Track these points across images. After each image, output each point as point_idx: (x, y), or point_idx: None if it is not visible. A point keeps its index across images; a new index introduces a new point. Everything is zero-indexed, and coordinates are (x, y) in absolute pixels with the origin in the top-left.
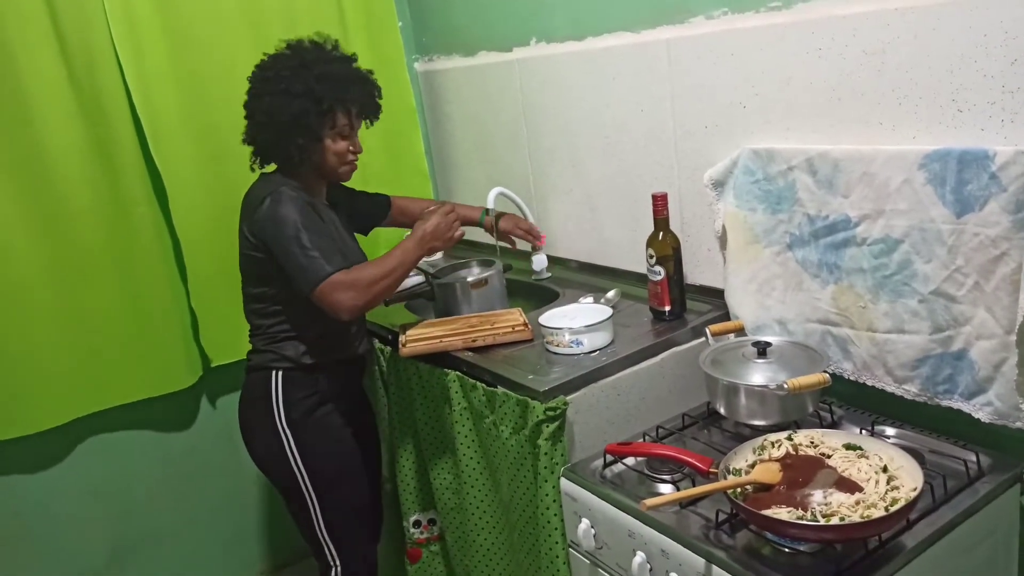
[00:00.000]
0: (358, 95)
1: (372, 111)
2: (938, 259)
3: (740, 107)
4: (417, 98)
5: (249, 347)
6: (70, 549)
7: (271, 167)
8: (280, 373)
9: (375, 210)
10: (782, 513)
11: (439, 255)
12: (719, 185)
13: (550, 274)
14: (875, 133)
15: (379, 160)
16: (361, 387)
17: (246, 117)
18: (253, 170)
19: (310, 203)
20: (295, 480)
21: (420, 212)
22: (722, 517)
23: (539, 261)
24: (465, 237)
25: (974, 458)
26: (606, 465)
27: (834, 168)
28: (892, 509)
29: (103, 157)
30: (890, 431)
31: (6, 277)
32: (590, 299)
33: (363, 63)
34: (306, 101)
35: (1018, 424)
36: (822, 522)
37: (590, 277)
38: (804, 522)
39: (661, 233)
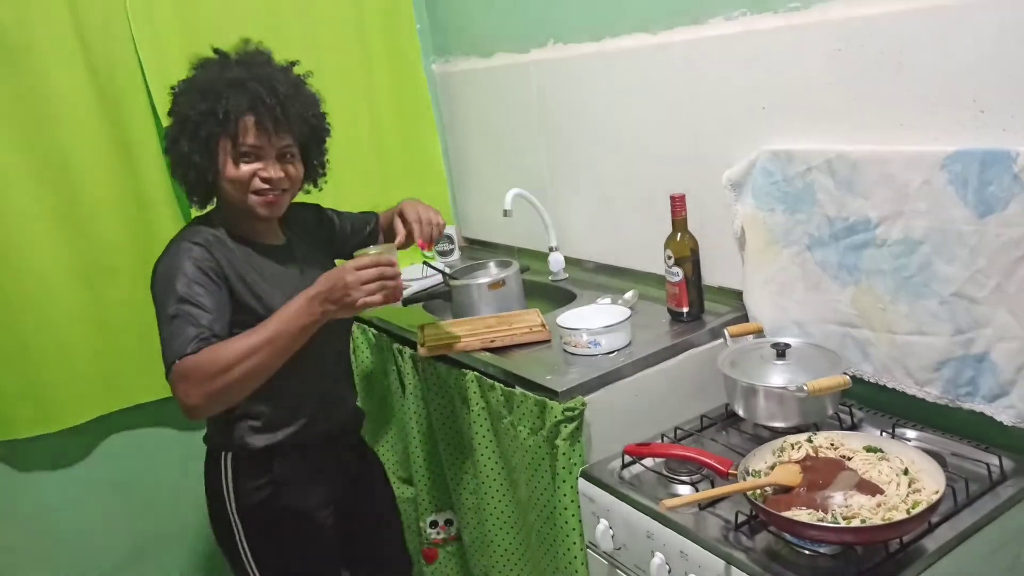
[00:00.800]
0: (235, 101)
1: (268, 118)
2: (959, 260)
3: (759, 108)
4: (434, 99)
5: None
6: (93, 544)
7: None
8: (229, 459)
9: (361, 229)
10: (802, 515)
11: (455, 255)
12: (737, 186)
13: (567, 275)
14: (895, 134)
15: (396, 161)
16: (347, 457)
17: None
18: (193, 214)
19: (221, 258)
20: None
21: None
22: (741, 519)
23: (556, 262)
24: (481, 238)
25: (997, 462)
26: (624, 466)
27: (853, 169)
28: (913, 512)
29: (125, 158)
30: (911, 434)
31: (31, 277)
32: (607, 300)
33: (380, 64)
34: (176, 123)
35: None
36: (843, 524)
37: (607, 278)
38: (824, 524)
39: (679, 234)
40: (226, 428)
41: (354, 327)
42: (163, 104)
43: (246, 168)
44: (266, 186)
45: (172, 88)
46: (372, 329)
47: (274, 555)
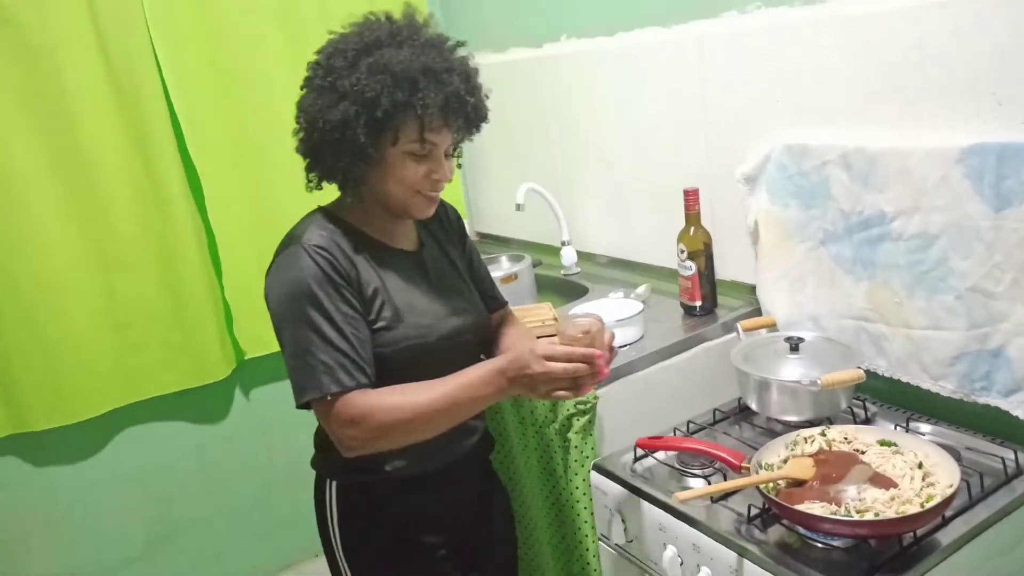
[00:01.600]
0: (434, 95)
1: (460, 115)
2: (976, 255)
3: (773, 102)
4: None
5: None
6: (108, 536)
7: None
8: (334, 487)
9: (482, 293)
10: (815, 508)
11: None
12: (751, 180)
13: (580, 269)
14: (912, 128)
15: None
16: (469, 487)
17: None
18: (310, 191)
19: (339, 263)
20: None
21: (515, 340)
22: (754, 512)
23: (568, 256)
24: (494, 232)
25: (1012, 456)
26: (636, 459)
27: (870, 163)
28: (927, 506)
29: (141, 155)
30: (925, 428)
31: (48, 271)
32: (620, 294)
33: None
34: (353, 103)
35: None
36: (856, 517)
37: (620, 272)
38: (838, 517)
39: (692, 228)
40: (331, 455)
41: None
42: (180, 101)
43: (421, 168)
44: (436, 190)
45: (331, 54)
46: None
47: None
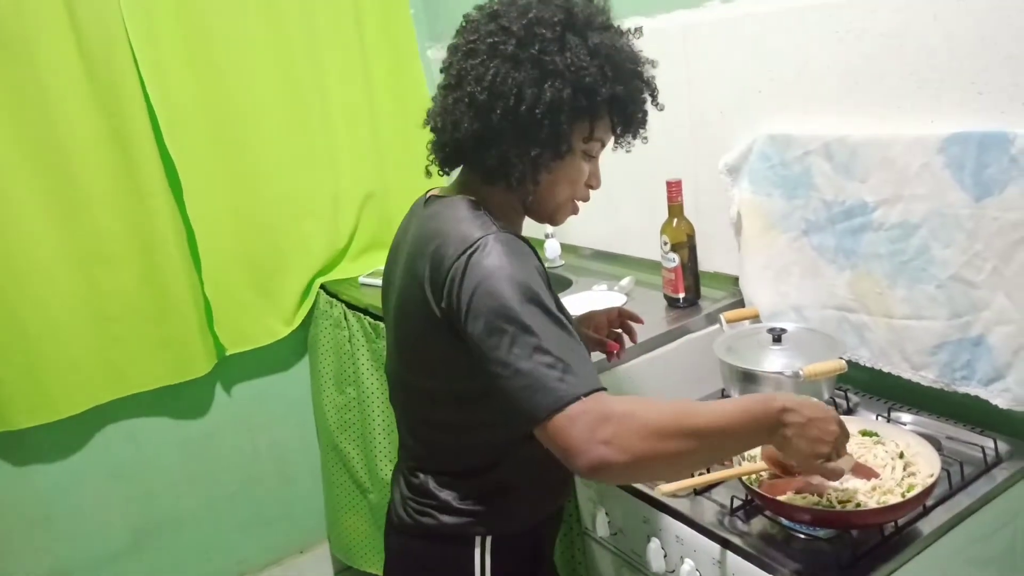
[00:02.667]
0: (639, 91)
1: (640, 127)
2: (956, 244)
3: (756, 92)
4: (430, 86)
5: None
6: (92, 533)
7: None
8: (488, 543)
9: None
10: (797, 499)
11: None
12: (734, 171)
13: (564, 262)
14: (894, 117)
15: (393, 151)
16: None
17: (445, 85)
18: (428, 175)
19: (539, 262)
20: None
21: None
22: (737, 503)
23: (552, 248)
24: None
25: (992, 444)
26: None
27: (852, 153)
28: (908, 495)
29: (119, 148)
30: (907, 417)
31: (28, 266)
32: (604, 287)
33: (376, 51)
34: (567, 85)
35: None
36: (838, 508)
37: (604, 265)
38: (820, 508)
39: (675, 220)
40: (489, 504)
41: (351, 316)
42: (157, 94)
43: (586, 170)
44: (587, 199)
45: (532, 22)
46: (367, 317)
47: None
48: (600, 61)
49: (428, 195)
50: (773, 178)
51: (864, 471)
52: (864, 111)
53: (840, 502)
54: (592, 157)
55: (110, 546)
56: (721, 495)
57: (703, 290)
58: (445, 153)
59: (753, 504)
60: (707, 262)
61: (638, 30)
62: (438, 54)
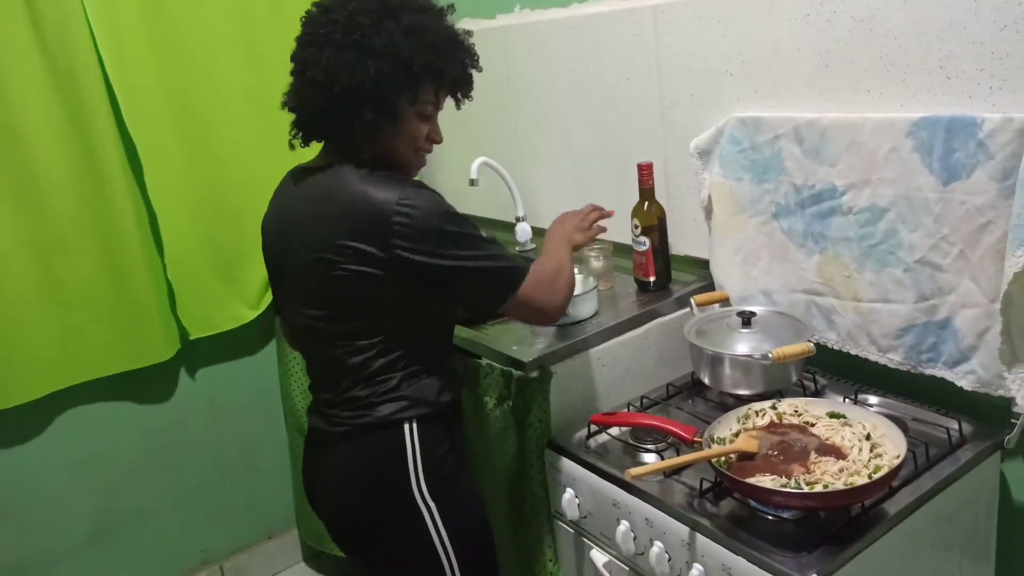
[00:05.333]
0: (454, 63)
1: (465, 87)
2: (924, 228)
3: (727, 75)
4: None
5: (335, 398)
6: (52, 523)
7: (314, 147)
8: (415, 425)
9: None
10: (766, 481)
11: None
12: (705, 154)
13: (534, 245)
14: (863, 101)
15: None
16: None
17: (293, 72)
18: (292, 147)
19: None
20: (439, 567)
21: None
22: (706, 486)
23: (523, 232)
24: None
25: (956, 426)
26: (590, 435)
27: (821, 137)
28: (875, 477)
29: (77, 130)
30: (873, 399)
31: None
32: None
33: None
34: (387, 62)
35: (1000, 392)
36: (805, 490)
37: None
38: (788, 490)
39: (646, 203)
40: (409, 392)
41: None
42: (117, 75)
43: (424, 128)
44: (429, 148)
45: (353, 13)
46: None
47: (467, 534)
48: (412, 39)
49: (294, 171)
50: (743, 162)
51: (832, 451)
52: (834, 95)
53: (808, 484)
54: (427, 116)
55: (70, 538)
56: (690, 478)
57: (673, 274)
58: (301, 129)
59: (722, 486)
60: (677, 245)
61: (451, 7)
62: None
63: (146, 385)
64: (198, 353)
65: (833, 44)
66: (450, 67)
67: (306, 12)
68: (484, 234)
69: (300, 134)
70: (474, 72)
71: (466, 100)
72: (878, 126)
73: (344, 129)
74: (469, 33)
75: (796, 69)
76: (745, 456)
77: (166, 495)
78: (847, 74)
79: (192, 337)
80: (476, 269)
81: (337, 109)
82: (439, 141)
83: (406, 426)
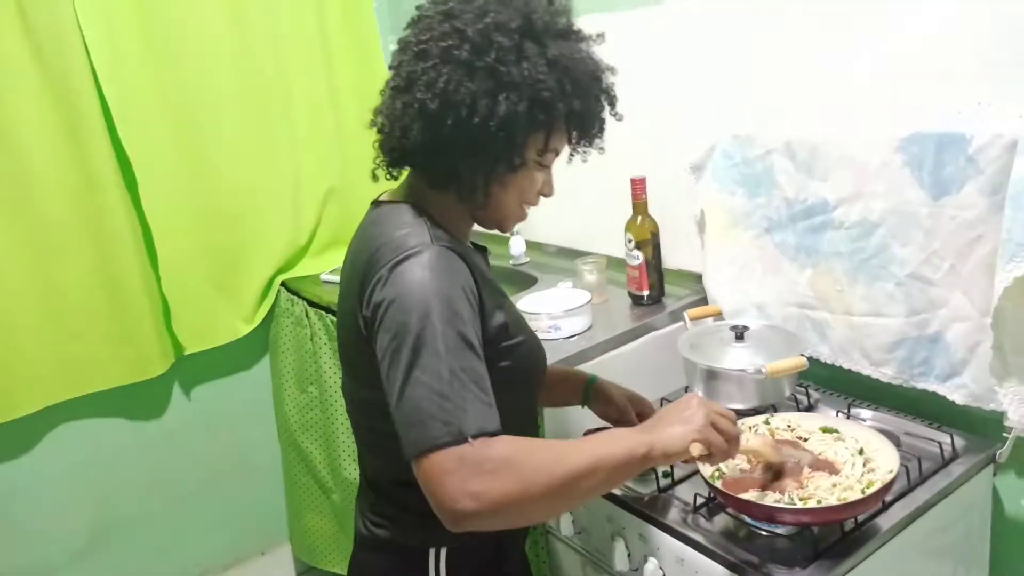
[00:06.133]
0: (597, 106)
1: (598, 135)
2: (915, 242)
3: (720, 90)
4: None
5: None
6: (48, 534)
7: (398, 178)
8: (443, 555)
9: None
10: (760, 497)
11: None
12: (698, 169)
13: (528, 259)
14: (855, 116)
15: (356, 146)
16: None
17: (394, 86)
18: (375, 179)
19: (475, 272)
20: None
21: (619, 395)
22: (700, 501)
23: (517, 246)
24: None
25: (948, 440)
26: None
27: (812, 152)
28: (868, 492)
29: (71, 140)
30: (866, 413)
31: None
32: (569, 284)
33: (337, 44)
34: (524, 99)
35: (992, 406)
36: (799, 505)
37: (569, 262)
38: (781, 505)
39: (640, 217)
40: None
41: (312, 314)
42: (110, 84)
43: (539, 180)
44: (535, 203)
45: (489, 28)
46: (329, 316)
47: None
48: (558, 73)
49: (377, 199)
50: (736, 176)
51: (825, 466)
52: (826, 109)
53: (802, 499)
54: (545, 167)
55: (66, 549)
56: (684, 492)
57: (667, 287)
58: (392, 157)
59: (716, 502)
60: (671, 259)
61: (600, 36)
62: None
63: (140, 399)
64: (192, 366)
65: (826, 59)
66: (592, 113)
67: (418, 10)
68: (460, 364)
69: (388, 163)
70: (610, 111)
71: (587, 154)
72: (869, 141)
73: (448, 171)
74: (613, 70)
75: (789, 84)
76: (770, 467)
77: (161, 507)
78: (839, 89)
79: (187, 352)
80: (403, 396)
81: (447, 148)
82: (550, 194)
83: (432, 555)
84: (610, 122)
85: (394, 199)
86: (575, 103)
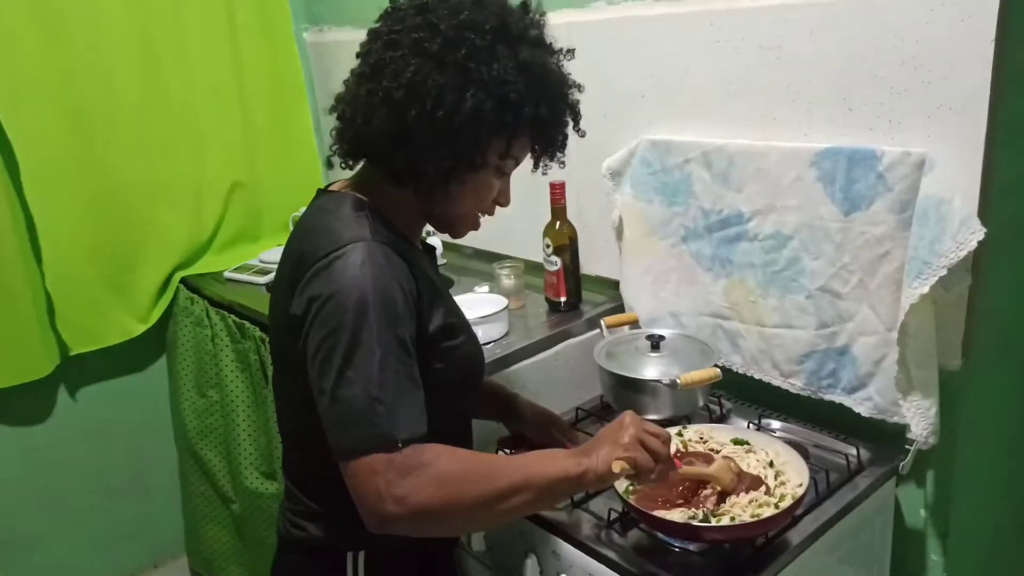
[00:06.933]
0: (562, 115)
1: (559, 150)
2: (826, 256)
3: (639, 96)
4: (306, 70)
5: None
6: None
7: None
8: (361, 559)
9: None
10: (674, 513)
11: None
12: (617, 175)
13: (445, 261)
14: (770, 129)
15: (265, 138)
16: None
17: (360, 74)
18: (330, 166)
19: (411, 268)
20: None
21: (532, 415)
22: (614, 516)
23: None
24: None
25: (855, 452)
26: None
27: (729, 162)
28: (781, 506)
29: None
30: (776, 424)
31: None
32: (485, 288)
33: (245, 29)
34: (491, 98)
35: (895, 419)
36: (713, 523)
37: (486, 264)
38: (694, 523)
39: (558, 222)
40: (356, 518)
41: (214, 314)
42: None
43: (496, 186)
44: (491, 215)
45: (463, 25)
46: (232, 316)
47: None
48: (528, 78)
49: (324, 187)
50: (654, 184)
51: (751, 481)
52: (742, 121)
53: (715, 515)
54: (504, 174)
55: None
56: (599, 506)
57: (584, 294)
58: (351, 145)
59: (629, 516)
60: (589, 265)
61: (571, 51)
62: (315, 37)
63: (22, 403)
64: (80, 368)
65: (742, 71)
66: (555, 123)
67: (391, 2)
68: (394, 366)
69: (346, 151)
70: (574, 124)
71: (547, 168)
72: (784, 154)
73: (408, 164)
74: (580, 87)
75: (706, 94)
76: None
77: (48, 520)
78: (755, 101)
79: (73, 352)
80: (335, 396)
81: (408, 139)
82: (506, 204)
83: (349, 556)
84: None
85: (338, 190)
86: (541, 110)
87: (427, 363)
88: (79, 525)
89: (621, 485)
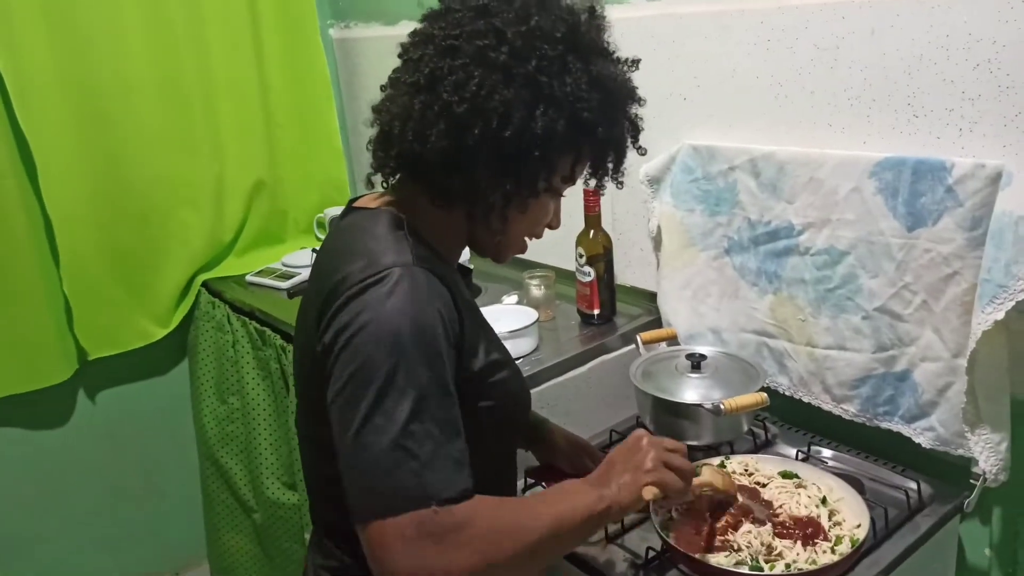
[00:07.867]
0: (624, 135)
1: (617, 167)
2: (885, 274)
3: (680, 99)
4: (332, 67)
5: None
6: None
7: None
8: None
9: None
10: (721, 558)
11: None
12: (655, 182)
13: (471, 267)
14: (824, 135)
15: (288, 137)
16: None
17: (408, 82)
18: (371, 185)
19: (454, 296)
20: None
21: (566, 444)
22: (651, 555)
23: (463, 255)
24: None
25: (915, 487)
26: (527, 488)
27: (779, 171)
28: (838, 549)
29: None
30: (827, 453)
31: None
32: (514, 298)
33: (269, 26)
34: (563, 117)
35: (960, 452)
36: (766, 569)
37: (515, 272)
38: (746, 572)
39: (592, 231)
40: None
41: (235, 320)
42: (7, 60)
43: (552, 206)
44: (543, 234)
45: (532, 34)
46: (254, 322)
47: None
48: (600, 94)
49: (353, 201)
50: (696, 192)
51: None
52: (793, 126)
53: (767, 561)
54: (560, 195)
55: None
56: (634, 542)
57: (619, 306)
58: (399, 163)
59: (667, 555)
60: (624, 276)
61: (636, 62)
62: (341, 33)
63: (37, 407)
64: (98, 373)
65: (794, 72)
66: (622, 140)
67: (441, 2)
68: (432, 412)
69: (390, 168)
70: (634, 142)
71: (603, 187)
72: (840, 164)
73: (464, 187)
74: (642, 101)
75: (754, 97)
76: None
77: (57, 524)
78: (808, 105)
79: (92, 357)
80: (358, 443)
81: (468, 160)
82: (557, 226)
83: None
84: None
85: (371, 205)
86: (613, 129)
87: (471, 401)
88: (89, 528)
89: (658, 518)
